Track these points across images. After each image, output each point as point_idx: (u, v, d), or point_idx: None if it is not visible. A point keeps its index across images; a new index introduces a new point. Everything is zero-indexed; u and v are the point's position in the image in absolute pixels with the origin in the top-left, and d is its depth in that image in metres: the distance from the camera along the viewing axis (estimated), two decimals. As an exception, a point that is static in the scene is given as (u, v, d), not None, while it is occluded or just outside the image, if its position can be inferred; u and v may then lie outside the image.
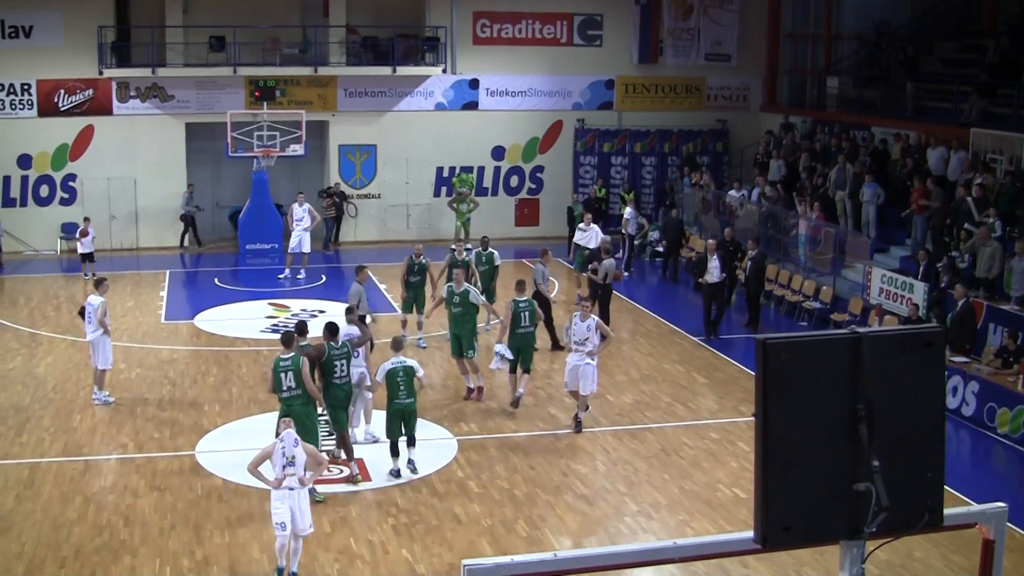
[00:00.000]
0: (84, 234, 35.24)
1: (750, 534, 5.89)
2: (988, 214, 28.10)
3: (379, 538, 17.31)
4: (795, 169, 37.99)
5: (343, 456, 20.01)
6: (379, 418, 21.03)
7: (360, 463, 20.07)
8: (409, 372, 19.74)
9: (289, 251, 35.94)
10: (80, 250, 35.61)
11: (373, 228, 42.28)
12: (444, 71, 41.70)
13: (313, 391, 18.78)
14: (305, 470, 15.90)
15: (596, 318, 22.40)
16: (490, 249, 29.30)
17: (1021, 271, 26.14)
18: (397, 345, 20.30)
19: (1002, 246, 27.07)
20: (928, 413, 5.97)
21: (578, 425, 22.12)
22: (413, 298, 27.74)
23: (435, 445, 21.34)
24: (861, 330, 5.79)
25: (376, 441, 21.11)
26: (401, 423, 19.82)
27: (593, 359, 21.82)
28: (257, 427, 21.83)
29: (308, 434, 17.86)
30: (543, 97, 43.14)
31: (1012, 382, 23.33)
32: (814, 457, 5.68)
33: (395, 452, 19.93)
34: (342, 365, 19.71)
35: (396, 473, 19.86)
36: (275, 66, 40.64)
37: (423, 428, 21.20)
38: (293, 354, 18.69)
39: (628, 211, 38.23)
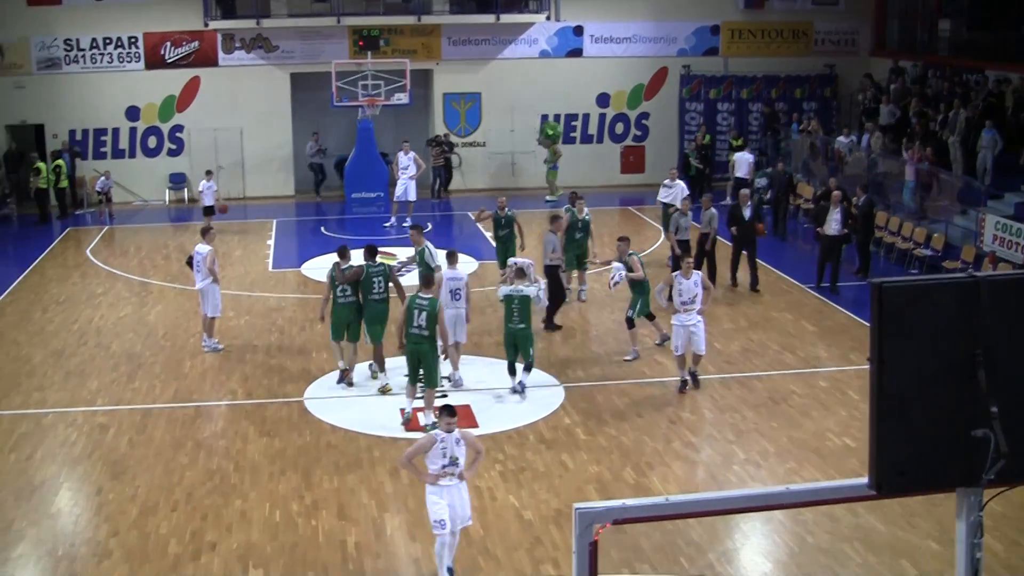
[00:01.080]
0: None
1: (864, 480, 5.80)
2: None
3: (486, 484, 17.30)
4: (906, 114, 37.34)
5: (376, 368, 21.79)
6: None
7: (467, 409, 20.11)
8: (525, 301, 20.91)
9: (395, 199, 36.06)
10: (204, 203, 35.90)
11: (478, 177, 42.31)
12: (548, 18, 41.51)
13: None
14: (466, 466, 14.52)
15: (700, 273, 21.59)
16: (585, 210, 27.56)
17: None
18: (520, 273, 21.21)
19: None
20: None
21: (695, 380, 21.40)
22: (503, 252, 27.20)
23: (542, 392, 21.33)
24: (979, 274, 5.65)
25: (459, 386, 21.51)
26: (514, 347, 21.10)
27: (702, 317, 21.08)
28: (364, 373, 22.03)
29: (431, 373, 19.52)
30: (648, 43, 42.80)
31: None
32: (930, 403, 5.57)
33: (511, 372, 21.31)
34: (379, 282, 21.39)
35: (514, 390, 21.17)
36: (379, 15, 40.80)
37: (531, 376, 21.50)
38: (431, 296, 19.49)
39: (738, 155, 37.98)
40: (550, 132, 40.90)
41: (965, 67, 38.19)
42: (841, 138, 37.85)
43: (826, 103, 43.48)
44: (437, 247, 23.72)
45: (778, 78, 43.44)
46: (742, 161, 37.75)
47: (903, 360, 5.51)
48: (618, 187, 41.83)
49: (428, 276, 20.43)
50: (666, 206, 31.39)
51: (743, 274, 28.29)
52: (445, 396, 20.63)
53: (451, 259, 22.00)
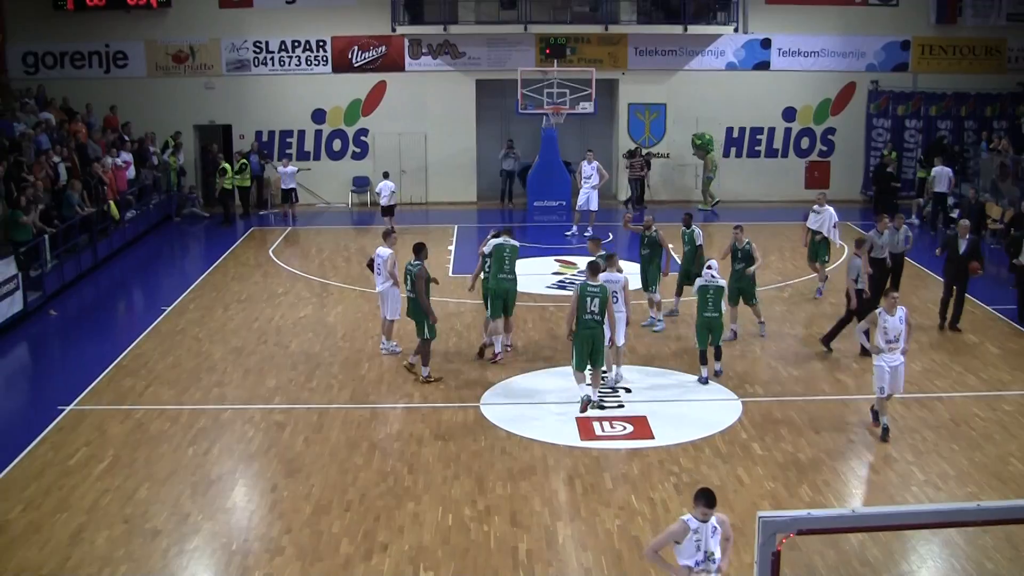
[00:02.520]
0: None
1: None
2: None
3: (660, 496, 17.16)
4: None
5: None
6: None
7: (643, 420, 20.08)
8: (719, 290, 22.44)
9: (577, 208, 36.06)
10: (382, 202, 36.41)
11: (662, 188, 42.14)
12: (736, 30, 41.20)
13: (425, 303, 22.00)
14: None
15: (905, 309, 19.53)
16: (692, 227, 26.76)
17: None
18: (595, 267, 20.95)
19: None
20: None
21: (886, 432, 19.67)
22: (645, 272, 26.18)
23: (719, 406, 21.17)
24: None
25: (619, 383, 21.84)
26: (708, 333, 22.35)
27: (904, 357, 19.52)
28: (540, 383, 22.18)
29: (599, 355, 20.35)
30: (836, 58, 42.34)
31: None
32: None
33: (703, 361, 22.49)
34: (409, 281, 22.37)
35: (705, 380, 22.40)
36: (565, 24, 40.86)
37: (708, 390, 21.85)
38: (601, 283, 20.39)
39: (936, 169, 37.46)
40: (698, 142, 40.70)
41: None
42: (1034, 158, 37.01)
43: (1016, 121, 42.38)
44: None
45: (968, 95, 42.62)
46: (942, 175, 37.14)
47: None
48: (802, 202, 41.09)
49: (596, 265, 20.79)
50: (814, 233, 29.21)
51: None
52: (622, 406, 20.62)
53: (610, 262, 22.03)
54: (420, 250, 22.69)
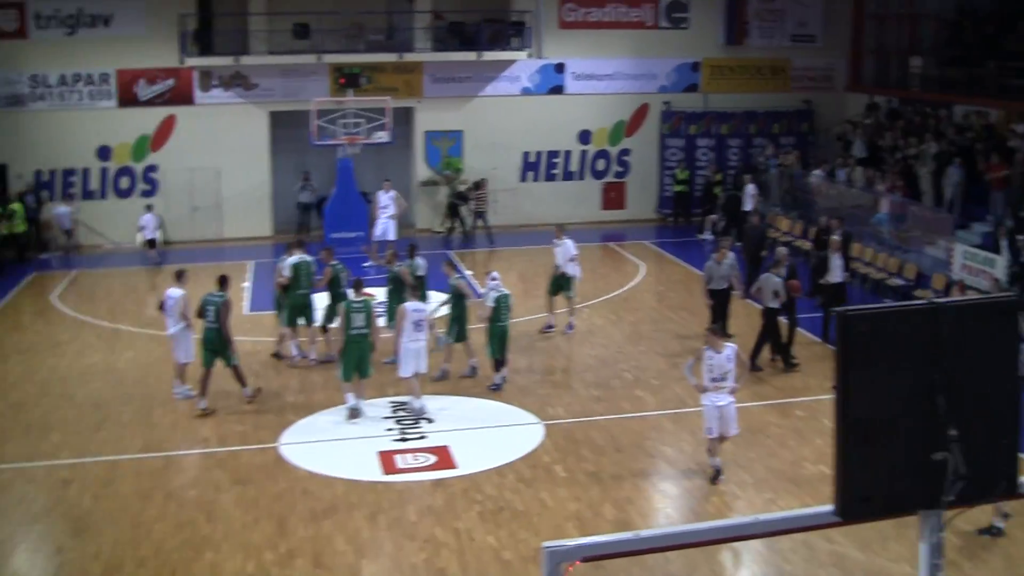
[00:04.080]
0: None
1: (830, 508, 5.92)
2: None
3: (465, 525, 17.16)
4: (878, 148, 37.68)
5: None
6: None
7: (444, 451, 20.07)
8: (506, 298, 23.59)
9: (374, 239, 35.76)
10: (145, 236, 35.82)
11: (447, 215, 41.73)
12: (530, 56, 41.46)
13: (228, 333, 22.46)
14: None
15: (734, 346, 18.92)
16: (416, 258, 26.25)
17: None
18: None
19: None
20: (1003, 381, 5.94)
21: (717, 474, 18.90)
22: (388, 307, 25.83)
23: (521, 430, 21.26)
24: (939, 300, 5.83)
25: (423, 414, 21.81)
26: (500, 342, 23.50)
27: (733, 397, 18.83)
28: (340, 419, 21.89)
29: (366, 366, 21.70)
30: (629, 80, 42.86)
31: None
32: (893, 428, 5.68)
33: (498, 367, 23.59)
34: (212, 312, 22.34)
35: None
36: (360, 53, 40.57)
37: (508, 413, 21.93)
38: (365, 299, 21.85)
39: (749, 187, 38.16)
40: (447, 170, 40.92)
41: (935, 102, 38.88)
42: (817, 171, 38.04)
43: (803, 138, 43.59)
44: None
45: (757, 113, 43.61)
46: (748, 195, 37.96)
47: (867, 387, 5.61)
48: (599, 223, 41.77)
49: (359, 282, 22.52)
50: (556, 267, 28.09)
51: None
52: (424, 437, 20.56)
53: (414, 292, 22.48)
54: (225, 282, 22.82)
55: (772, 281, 24.39)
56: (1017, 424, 6.05)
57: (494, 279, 23.96)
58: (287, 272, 25.04)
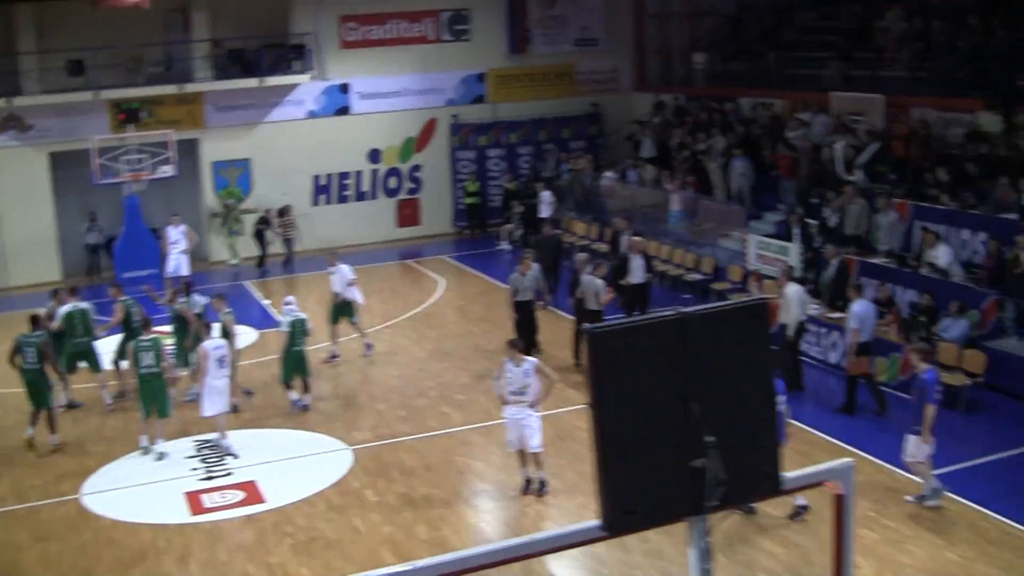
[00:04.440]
0: None
1: (598, 523, 5.97)
2: (853, 173, 28.83)
3: (277, 559, 16.98)
4: (667, 147, 38.39)
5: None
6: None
7: (252, 485, 19.77)
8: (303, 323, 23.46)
9: (167, 275, 35.07)
10: None
11: (252, 243, 41.10)
12: (313, 78, 41.16)
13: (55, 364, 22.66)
14: None
15: (534, 360, 18.79)
16: (193, 295, 25.61)
17: (886, 226, 27.34)
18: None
19: (867, 203, 27.94)
20: (757, 384, 6.03)
21: (541, 487, 18.88)
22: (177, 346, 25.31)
23: (329, 458, 21.09)
24: (685, 310, 5.88)
25: (229, 451, 21.42)
26: (296, 367, 23.53)
27: (536, 410, 18.63)
28: (141, 464, 21.36)
29: (162, 405, 21.57)
30: (416, 96, 42.80)
31: (886, 331, 23.68)
32: (651, 439, 5.72)
33: (290, 388, 23.80)
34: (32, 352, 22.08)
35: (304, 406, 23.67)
36: (138, 86, 39.69)
37: (315, 442, 21.78)
38: (153, 337, 21.67)
39: (544, 194, 38.46)
40: (229, 198, 40.55)
41: (721, 96, 39.67)
42: (608, 173, 38.50)
43: (593, 141, 44.08)
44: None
45: (545, 120, 44.02)
46: (543, 202, 38.23)
47: (621, 401, 5.63)
48: (396, 241, 41.73)
49: (148, 320, 22.76)
50: (335, 294, 27.42)
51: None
52: (230, 474, 20.26)
53: (205, 329, 22.37)
54: (38, 320, 22.62)
55: (594, 284, 24.69)
56: (775, 424, 6.17)
57: (288, 304, 23.84)
58: (57, 322, 24.40)
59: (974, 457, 19.41)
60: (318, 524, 18.14)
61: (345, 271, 27.21)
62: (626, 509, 5.76)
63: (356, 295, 27.39)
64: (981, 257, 25.34)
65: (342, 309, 27.25)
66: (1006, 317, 23.67)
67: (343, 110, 42.06)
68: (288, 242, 39.50)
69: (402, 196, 43.12)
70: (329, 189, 41.97)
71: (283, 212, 39.48)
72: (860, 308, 22.30)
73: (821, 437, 20.74)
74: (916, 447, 17.40)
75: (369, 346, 27.60)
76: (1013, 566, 15.53)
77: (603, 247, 33.84)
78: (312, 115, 41.75)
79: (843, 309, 24.29)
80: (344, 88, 41.91)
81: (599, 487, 5.81)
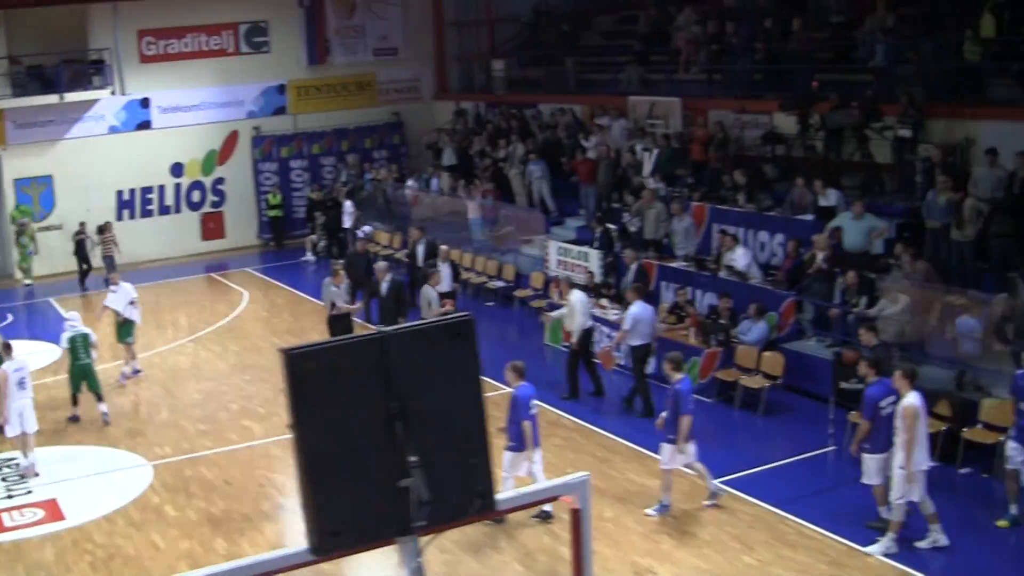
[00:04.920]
0: None
1: (306, 547, 5.93)
2: (651, 177, 29.38)
3: (75, 577, 17.01)
4: (468, 154, 38.84)
5: None
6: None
7: (53, 504, 19.74)
8: (86, 337, 23.52)
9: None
10: None
11: (59, 260, 40.59)
12: (113, 93, 40.80)
13: None
14: None
15: None
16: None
17: (682, 230, 27.58)
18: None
19: (665, 207, 28.21)
20: (465, 401, 6.02)
21: None
22: None
23: (130, 474, 21.06)
24: (386, 329, 5.86)
25: (32, 472, 21.10)
26: (81, 381, 23.64)
27: None
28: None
29: None
30: (217, 109, 42.65)
31: (684, 335, 24.28)
32: (356, 460, 5.71)
33: (76, 402, 23.94)
34: None
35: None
36: (-69, 105, 39.10)
37: (116, 458, 21.72)
38: None
39: (346, 204, 38.72)
40: (18, 216, 40.07)
41: (520, 103, 40.19)
42: (410, 182, 38.89)
43: (396, 150, 44.48)
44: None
45: (347, 130, 44.25)
46: (346, 212, 38.50)
47: (323, 422, 5.64)
48: (201, 255, 41.59)
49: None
50: (116, 313, 26.62)
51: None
52: (30, 492, 20.22)
53: (7, 350, 21.85)
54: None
55: (429, 293, 24.91)
56: (486, 442, 6.15)
57: (69, 320, 23.85)
58: None
59: (774, 460, 19.79)
60: (117, 541, 18.11)
61: (128, 290, 26.76)
62: (333, 531, 5.72)
63: (135, 315, 26.70)
64: (780, 259, 25.74)
65: (123, 329, 26.48)
66: (804, 319, 24.22)
67: (144, 124, 41.71)
68: (108, 259, 38.15)
69: (206, 209, 42.93)
70: (132, 204, 41.63)
71: (103, 229, 38.54)
72: (636, 310, 22.77)
73: (621, 443, 21.13)
74: (671, 456, 17.74)
75: (135, 371, 26.93)
76: (808, 568, 15.91)
77: (404, 256, 33.82)
78: (113, 130, 41.32)
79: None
80: (145, 102, 41.58)
81: (304, 509, 5.80)
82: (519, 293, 30.66)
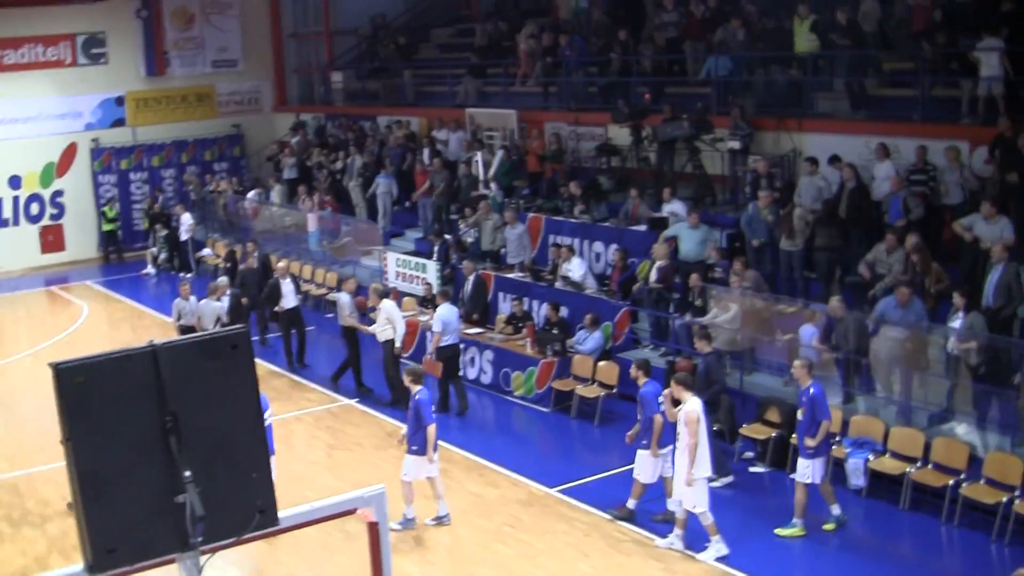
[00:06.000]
0: None
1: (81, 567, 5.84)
2: (489, 187, 29.67)
3: None
4: (307, 166, 38.86)
5: None
6: None
7: None
8: None
9: None
10: None
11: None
12: (-52, 101, 40.04)
13: None
14: None
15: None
16: None
17: (515, 238, 27.90)
18: None
19: (502, 217, 28.45)
20: (243, 415, 5.99)
21: None
22: None
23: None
24: (158, 342, 5.80)
25: None
26: None
27: None
28: None
29: None
30: (55, 120, 41.89)
31: (521, 345, 24.44)
32: (131, 475, 5.65)
33: None
34: None
35: None
36: None
37: None
38: None
39: (184, 216, 38.39)
40: None
41: (359, 115, 40.34)
42: (250, 194, 38.79)
43: (236, 162, 44.30)
44: None
45: (187, 142, 43.93)
46: (183, 225, 38.32)
47: (95, 437, 5.57)
48: (41, 268, 40.94)
49: None
50: None
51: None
52: None
53: None
54: None
55: (344, 300, 24.90)
56: (266, 457, 6.13)
57: None
58: None
59: (610, 468, 19.82)
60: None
61: None
62: (108, 548, 5.61)
63: None
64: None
65: None
66: (639, 328, 24.55)
67: (-20, 135, 40.94)
68: None
69: (45, 222, 42.21)
70: None
71: None
72: (443, 312, 23.20)
73: (459, 453, 21.10)
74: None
75: None
76: (641, 574, 16.13)
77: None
78: (-52, 140, 40.52)
79: (483, 323, 25.70)
80: (-34, 113, 40.74)
81: (79, 526, 5.69)
82: (359, 302, 30.46)
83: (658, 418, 17.17)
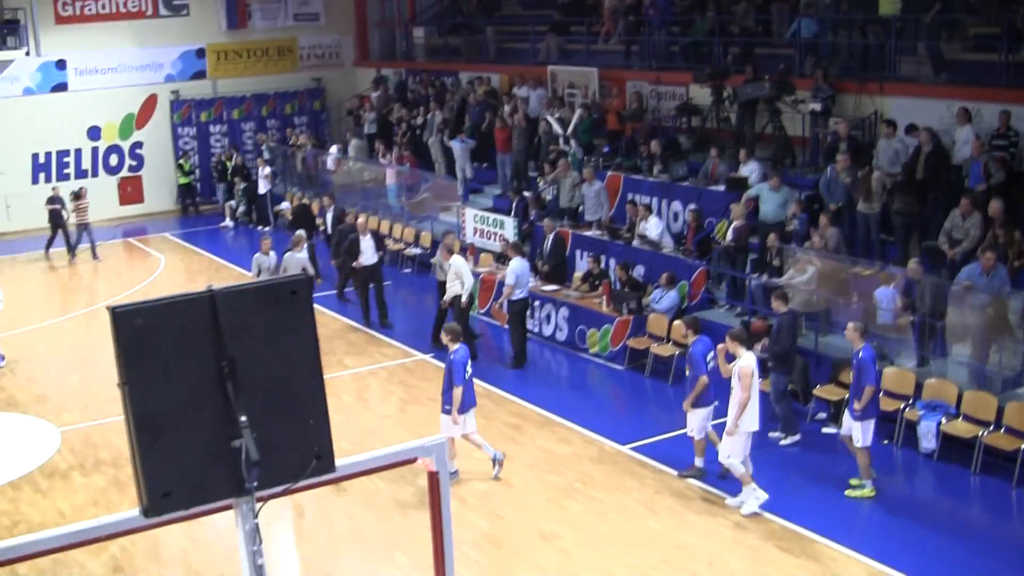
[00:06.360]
0: None
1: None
2: (568, 146, 29.46)
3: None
4: (388, 121, 38.67)
5: None
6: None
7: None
8: None
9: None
10: None
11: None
12: (28, 54, 40.11)
13: None
14: None
15: None
16: None
17: (593, 195, 27.76)
18: None
19: (580, 175, 28.26)
20: (302, 361, 5.94)
21: None
22: None
23: (37, 439, 20.78)
24: (216, 287, 5.73)
25: None
26: None
27: None
28: None
29: None
30: (135, 72, 42.11)
31: (597, 303, 24.34)
32: (187, 420, 5.61)
33: None
34: None
35: None
36: None
37: (22, 423, 21.44)
38: None
39: (264, 170, 38.53)
40: None
41: (440, 71, 40.17)
42: (332, 149, 38.76)
43: (316, 116, 44.30)
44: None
45: (268, 95, 44.03)
46: (261, 177, 38.39)
47: (151, 381, 5.54)
48: (119, 219, 41.16)
49: None
50: None
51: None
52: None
53: None
54: None
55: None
56: (323, 402, 6.04)
57: None
58: None
59: (682, 427, 19.17)
60: (23, 508, 17.88)
61: None
62: (163, 492, 5.61)
63: None
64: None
65: None
66: (714, 287, 24.47)
67: (61, 86, 41.21)
68: (84, 227, 36.39)
69: (124, 174, 42.52)
70: (49, 167, 41.13)
71: (78, 195, 36.70)
72: (516, 265, 23.30)
73: (532, 409, 21.13)
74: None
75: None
76: (712, 533, 16.05)
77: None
78: (28, 92, 40.76)
79: (561, 280, 25.70)
80: (61, 64, 41.04)
81: (135, 471, 5.68)
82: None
83: (703, 378, 17.29)
